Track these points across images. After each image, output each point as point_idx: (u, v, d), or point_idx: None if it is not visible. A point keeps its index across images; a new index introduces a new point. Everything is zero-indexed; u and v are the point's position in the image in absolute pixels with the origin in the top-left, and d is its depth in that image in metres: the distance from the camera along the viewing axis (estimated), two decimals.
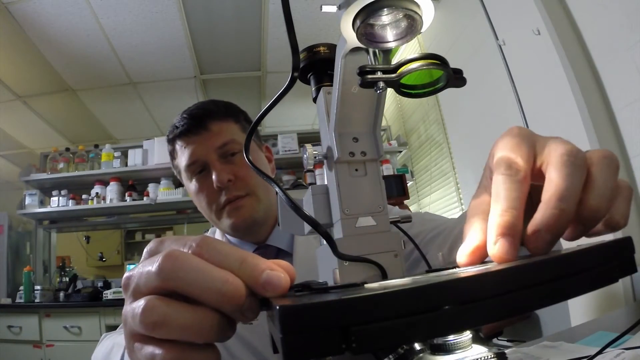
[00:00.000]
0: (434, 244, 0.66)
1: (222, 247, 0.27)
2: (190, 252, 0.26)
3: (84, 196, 3.00)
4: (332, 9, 2.42)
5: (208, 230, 0.97)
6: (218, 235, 0.88)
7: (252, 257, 0.26)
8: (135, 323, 0.25)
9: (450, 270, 0.32)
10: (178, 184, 3.06)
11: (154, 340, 0.25)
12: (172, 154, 0.85)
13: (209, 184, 0.78)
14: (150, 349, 0.25)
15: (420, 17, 0.30)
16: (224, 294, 0.24)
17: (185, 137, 0.80)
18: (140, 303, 0.25)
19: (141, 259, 0.29)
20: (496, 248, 0.28)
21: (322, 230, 0.35)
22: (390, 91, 0.32)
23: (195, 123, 0.80)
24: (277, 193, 0.39)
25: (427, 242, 0.67)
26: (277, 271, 0.26)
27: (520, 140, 0.31)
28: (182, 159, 0.80)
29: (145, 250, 0.30)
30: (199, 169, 0.79)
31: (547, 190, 0.28)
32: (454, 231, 0.66)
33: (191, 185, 0.81)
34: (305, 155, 0.40)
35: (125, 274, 0.28)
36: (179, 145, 0.82)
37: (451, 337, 0.27)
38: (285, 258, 0.80)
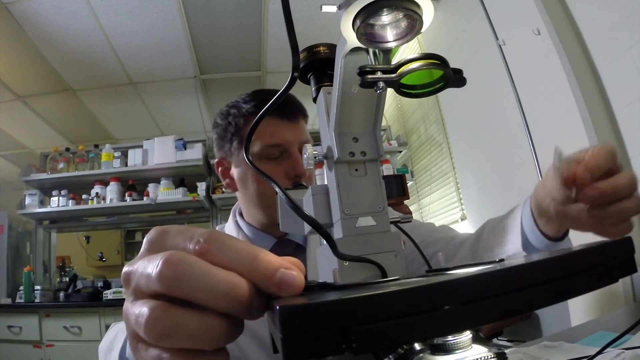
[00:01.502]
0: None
1: (233, 242, 0.25)
2: (197, 248, 0.24)
3: (84, 196, 2.99)
4: (332, 9, 2.43)
5: (218, 227, 0.97)
6: (232, 228, 0.88)
7: (264, 254, 0.25)
8: (140, 331, 0.23)
9: (451, 271, 0.32)
10: (178, 184, 3.06)
11: (165, 347, 0.23)
12: (237, 125, 0.83)
13: (278, 170, 0.79)
14: (155, 353, 0.23)
15: (420, 17, 0.30)
16: (232, 298, 0.23)
17: (279, 118, 0.80)
18: (144, 311, 0.23)
19: (141, 249, 0.27)
20: None
21: (322, 230, 0.35)
22: (390, 91, 0.32)
23: (294, 111, 0.83)
24: (277, 193, 0.39)
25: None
26: (291, 269, 0.25)
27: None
28: (262, 135, 0.78)
29: (145, 239, 0.27)
30: (277, 153, 0.80)
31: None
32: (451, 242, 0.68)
33: (245, 165, 0.82)
34: (305, 155, 0.40)
35: (125, 269, 0.26)
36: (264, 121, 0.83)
37: (451, 337, 0.27)
38: (302, 254, 0.82)
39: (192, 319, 0.23)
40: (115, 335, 0.57)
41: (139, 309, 0.23)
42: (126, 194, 2.97)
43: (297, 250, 0.83)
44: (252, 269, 0.24)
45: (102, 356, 0.56)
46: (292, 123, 0.81)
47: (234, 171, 0.85)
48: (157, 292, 0.24)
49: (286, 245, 0.83)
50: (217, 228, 0.95)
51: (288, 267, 0.25)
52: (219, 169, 0.88)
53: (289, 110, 0.82)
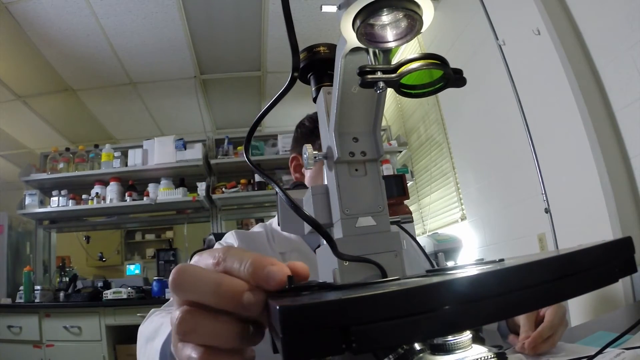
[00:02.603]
0: None
1: (239, 252, 0.30)
2: (214, 260, 0.30)
3: (84, 196, 2.99)
4: (332, 9, 2.43)
5: (267, 221, 0.98)
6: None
7: (258, 257, 0.29)
8: (173, 329, 0.29)
9: (451, 271, 0.32)
10: (178, 184, 3.06)
11: (191, 342, 0.29)
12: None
13: None
14: (187, 351, 0.29)
15: (420, 17, 0.30)
16: (220, 294, 0.27)
17: None
18: (177, 314, 0.29)
19: None
20: None
21: (322, 230, 0.35)
22: (390, 91, 0.32)
23: None
24: (277, 193, 0.39)
25: None
26: (277, 266, 0.28)
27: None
28: None
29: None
30: None
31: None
32: None
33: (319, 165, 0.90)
34: (305, 155, 0.40)
35: None
36: None
37: (451, 337, 0.27)
38: None
39: (209, 320, 0.28)
40: (161, 324, 0.58)
41: (175, 313, 0.29)
42: (126, 194, 2.97)
43: None
44: (247, 268, 0.28)
45: (143, 341, 0.58)
46: None
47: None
48: (179, 300, 0.30)
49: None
50: (264, 222, 0.98)
51: (274, 263, 0.28)
52: (293, 163, 1.00)
53: None
